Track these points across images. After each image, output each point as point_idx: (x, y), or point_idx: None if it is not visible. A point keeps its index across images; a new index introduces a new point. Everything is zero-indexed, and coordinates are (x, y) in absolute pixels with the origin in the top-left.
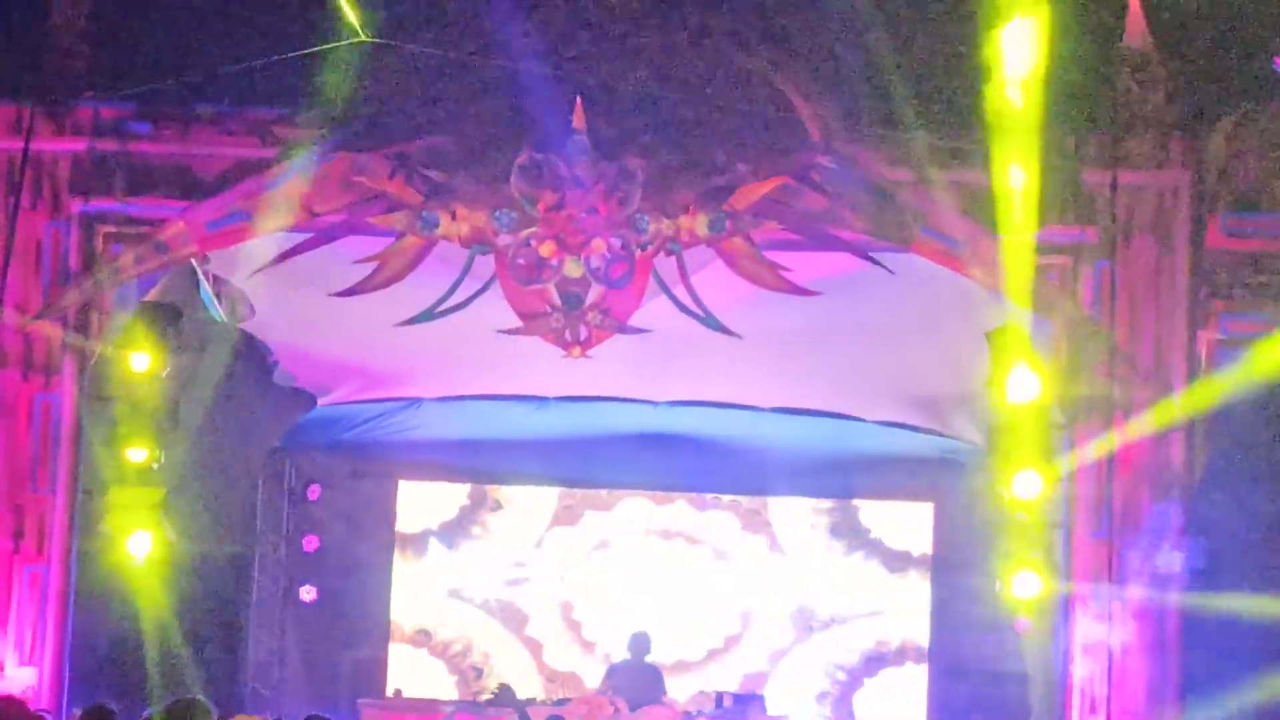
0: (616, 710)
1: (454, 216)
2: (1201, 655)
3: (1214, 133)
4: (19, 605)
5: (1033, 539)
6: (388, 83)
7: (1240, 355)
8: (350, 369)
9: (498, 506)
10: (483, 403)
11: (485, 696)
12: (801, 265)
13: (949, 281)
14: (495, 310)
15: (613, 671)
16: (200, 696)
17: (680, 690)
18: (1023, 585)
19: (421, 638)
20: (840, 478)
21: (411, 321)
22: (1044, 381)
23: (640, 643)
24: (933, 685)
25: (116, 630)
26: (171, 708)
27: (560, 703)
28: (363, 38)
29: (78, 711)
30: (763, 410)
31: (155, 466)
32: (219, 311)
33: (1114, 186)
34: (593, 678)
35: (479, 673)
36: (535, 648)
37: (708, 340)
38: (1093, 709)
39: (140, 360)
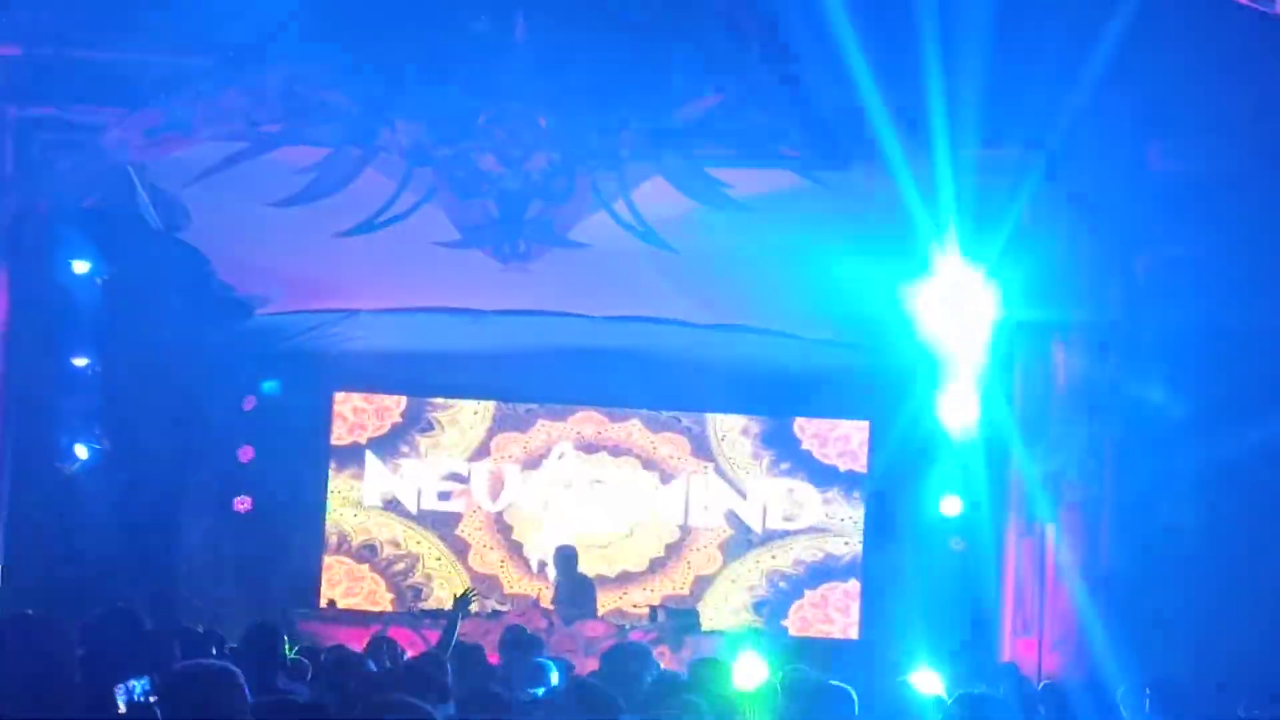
0: (550, 623)
1: (394, 128)
2: (1134, 573)
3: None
4: None
5: (967, 458)
6: None
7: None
8: (288, 279)
9: (433, 423)
10: (420, 315)
11: (424, 606)
12: (742, 181)
13: (889, 199)
14: (434, 222)
15: (557, 590)
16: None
17: (615, 604)
18: (957, 504)
19: (356, 549)
20: (777, 394)
21: (350, 233)
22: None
23: (568, 558)
24: (866, 602)
25: (50, 538)
26: (104, 616)
27: (494, 615)
28: None
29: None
30: (700, 326)
31: (91, 375)
32: (156, 220)
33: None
34: (525, 588)
35: (414, 587)
36: (466, 558)
37: (646, 255)
38: (1025, 627)
39: (75, 268)
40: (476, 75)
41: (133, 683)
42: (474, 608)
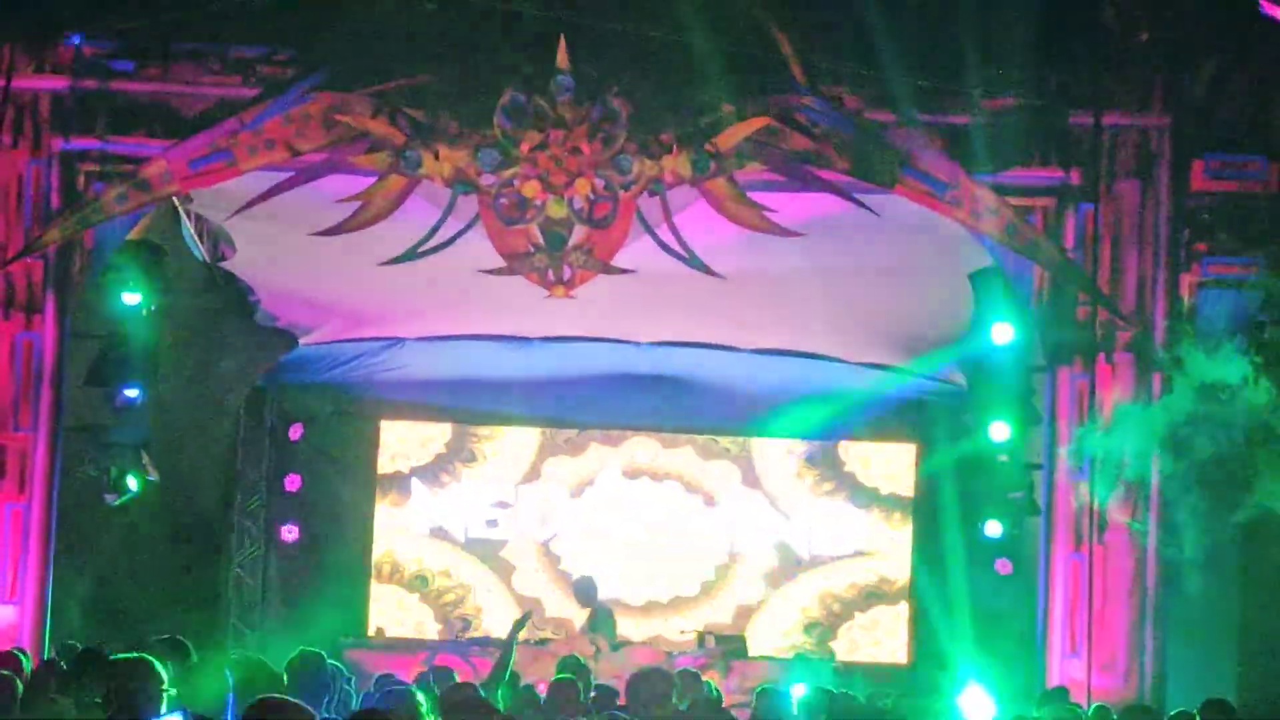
0: (598, 650)
1: (437, 156)
2: (1181, 599)
3: (1197, 74)
4: (0, 544)
5: (1014, 481)
6: (371, 21)
7: (1222, 297)
8: (332, 308)
9: (478, 450)
10: (465, 343)
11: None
12: (785, 206)
13: (932, 222)
14: (478, 250)
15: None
16: (180, 637)
17: (662, 630)
18: (1003, 527)
19: (403, 578)
20: (823, 419)
21: (394, 261)
22: (1026, 324)
23: (587, 589)
24: (914, 625)
25: (98, 570)
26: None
27: (542, 643)
28: None
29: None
30: (745, 351)
31: (139, 406)
32: (201, 251)
33: (1097, 127)
34: (574, 618)
35: (463, 617)
36: (510, 583)
37: (691, 281)
38: (1073, 649)
39: (125, 299)
40: (519, 102)
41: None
42: (522, 635)
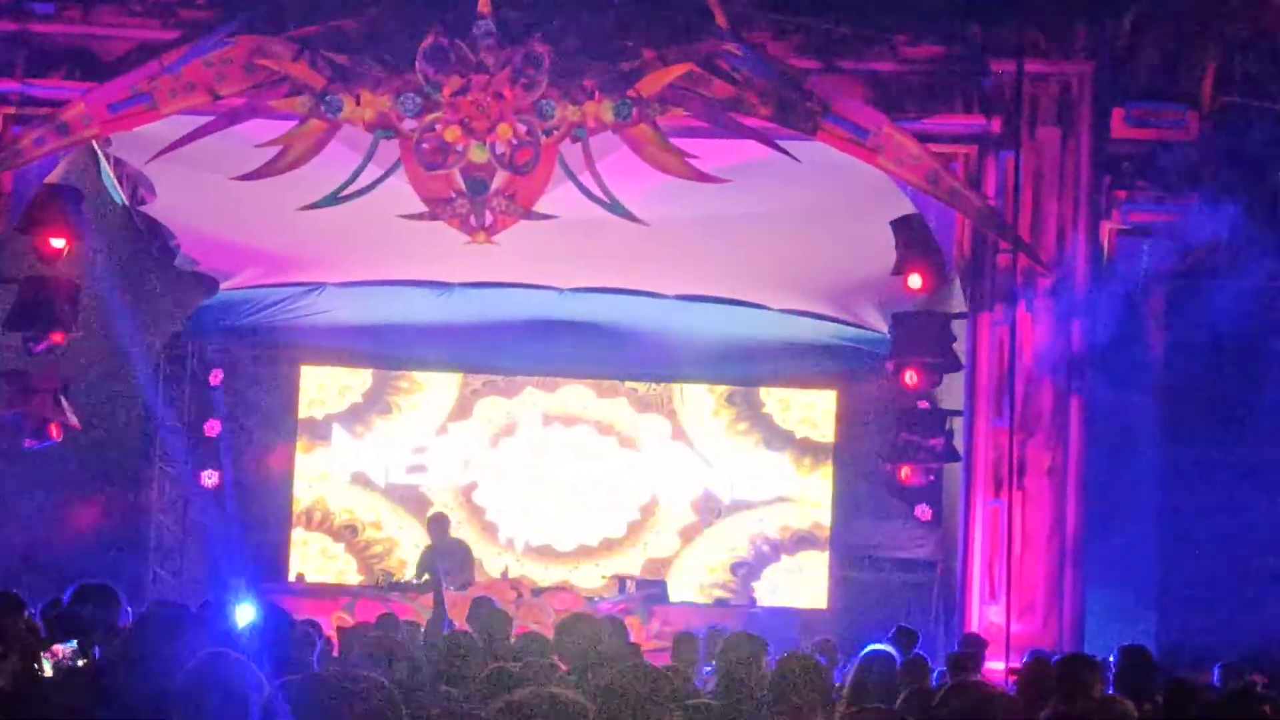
0: (519, 595)
1: (358, 101)
2: (1101, 546)
3: (1117, 22)
4: None
5: (934, 427)
6: None
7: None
8: (253, 253)
9: (400, 396)
10: (386, 288)
11: (387, 580)
12: (708, 152)
13: (854, 170)
14: (399, 195)
15: (426, 552)
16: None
17: (585, 576)
18: (923, 473)
19: (323, 524)
20: (745, 365)
21: (315, 206)
22: (946, 271)
23: (440, 524)
24: (834, 571)
25: (18, 515)
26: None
27: (461, 588)
28: None
29: None
30: (668, 297)
31: (57, 351)
32: (120, 195)
33: (1019, 75)
34: (494, 562)
35: (381, 558)
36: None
37: (614, 227)
38: (993, 595)
39: (44, 243)
40: (441, 47)
41: (58, 647)
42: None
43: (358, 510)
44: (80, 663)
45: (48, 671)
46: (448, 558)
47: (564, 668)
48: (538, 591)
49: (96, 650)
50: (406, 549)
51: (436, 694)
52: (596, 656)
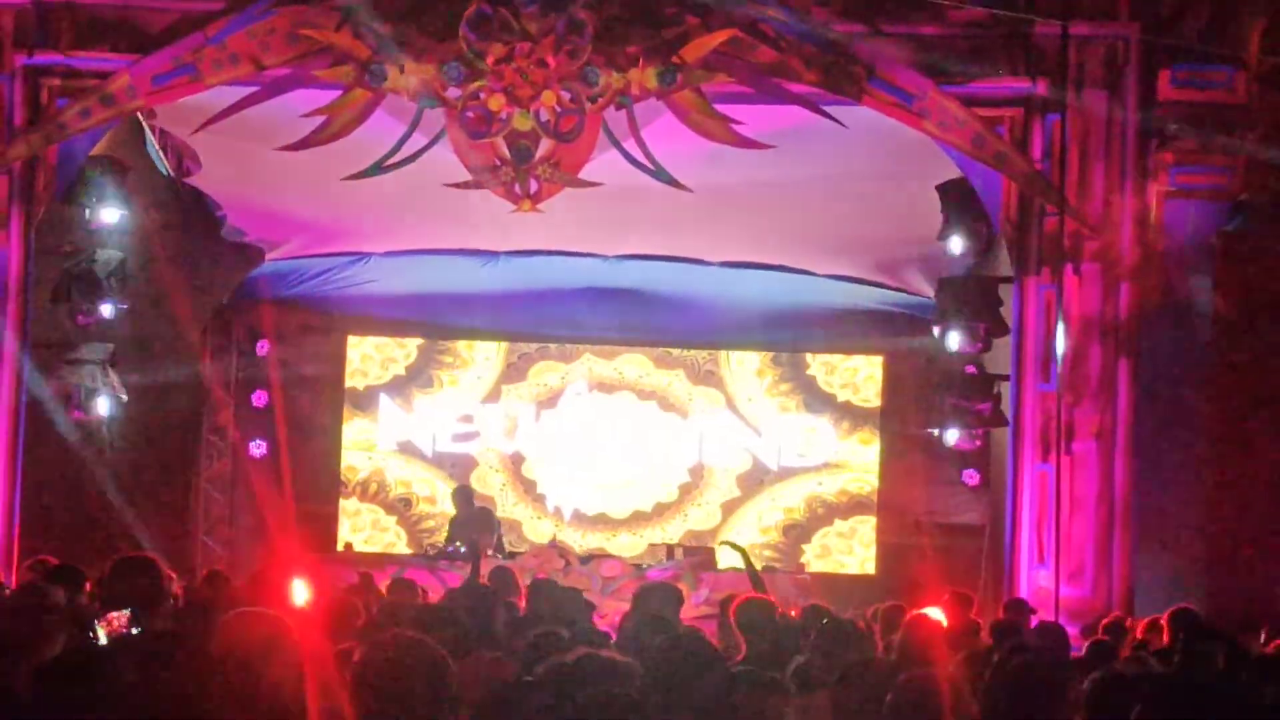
0: (567, 563)
1: (402, 70)
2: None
3: None
4: None
5: (981, 392)
6: None
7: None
8: (299, 223)
9: (446, 365)
10: (432, 257)
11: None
12: (752, 118)
13: (900, 134)
14: (444, 164)
15: (452, 525)
16: (151, 553)
17: (633, 544)
18: (970, 438)
19: (371, 493)
20: (791, 331)
21: (360, 175)
22: (993, 235)
23: (463, 495)
24: (881, 536)
25: (67, 485)
26: (120, 564)
27: (511, 556)
28: None
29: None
30: (713, 264)
31: (104, 323)
32: (166, 166)
33: (1064, 38)
34: (540, 528)
35: (432, 531)
36: (485, 500)
37: (659, 194)
38: (1041, 560)
39: (90, 215)
40: (484, 14)
41: (112, 615)
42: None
43: (412, 483)
44: (134, 630)
45: (102, 640)
46: (471, 527)
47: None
48: (586, 560)
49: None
50: (445, 511)
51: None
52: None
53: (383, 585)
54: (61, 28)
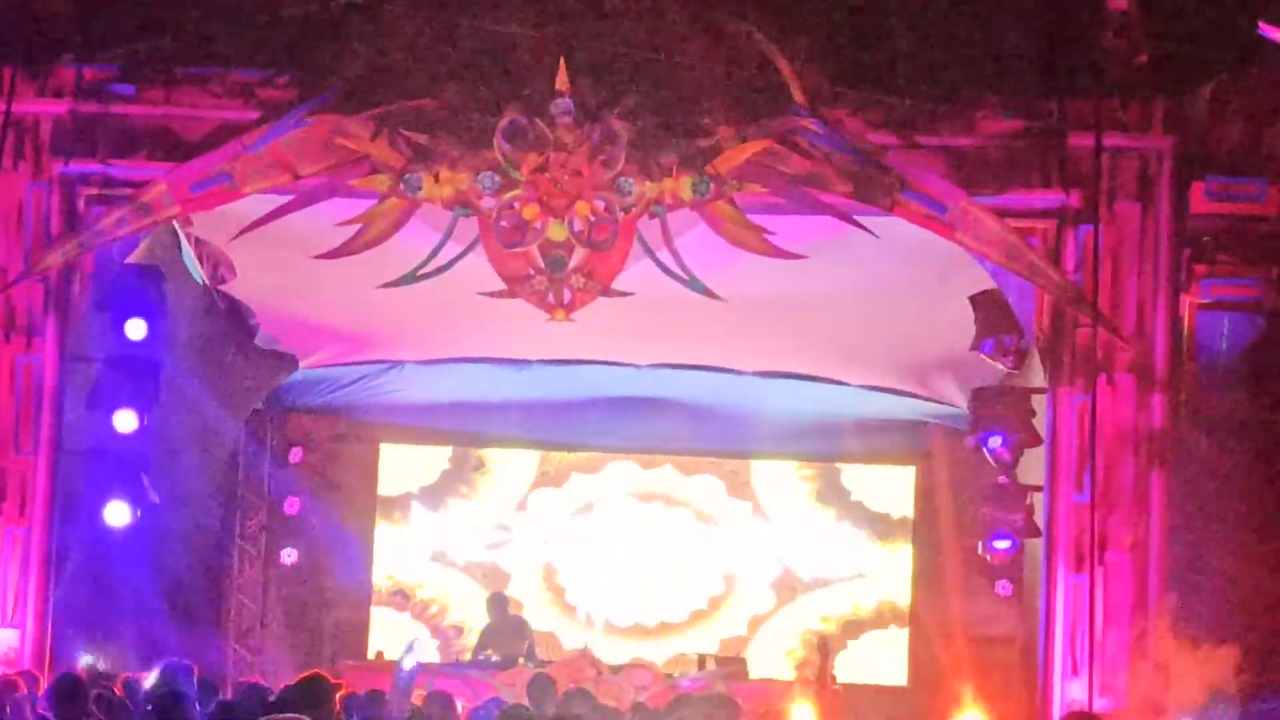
0: (599, 672)
1: (437, 179)
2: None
3: (1197, 96)
4: (1, 567)
5: (1014, 503)
6: (370, 44)
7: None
8: (332, 331)
9: (476, 477)
10: (465, 365)
11: (468, 656)
12: (785, 229)
13: (932, 245)
14: (478, 273)
15: (484, 633)
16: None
17: (663, 653)
18: (1003, 549)
19: (403, 600)
20: (823, 441)
21: (394, 284)
22: (1027, 346)
23: (499, 602)
24: (914, 648)
25: (99, 593)
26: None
27: (541, 664)
28: None
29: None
30: (746, 374)
31: (138, 430)
32: (201, 274)
33: (1098, 150)
34: (571, 637)
35: (461, 634)
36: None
37: (691, 303)
38: (1074, 672)
39: (125, 323)
40: (519, 125)
41: None
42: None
43: (444, 593)
44: None
45: None
46: (505, 635)
47: None
48: (617, 669)
49: None
50: (482, 626)
51: None
52: None
53: (416, 697)
54: (98, 136)
